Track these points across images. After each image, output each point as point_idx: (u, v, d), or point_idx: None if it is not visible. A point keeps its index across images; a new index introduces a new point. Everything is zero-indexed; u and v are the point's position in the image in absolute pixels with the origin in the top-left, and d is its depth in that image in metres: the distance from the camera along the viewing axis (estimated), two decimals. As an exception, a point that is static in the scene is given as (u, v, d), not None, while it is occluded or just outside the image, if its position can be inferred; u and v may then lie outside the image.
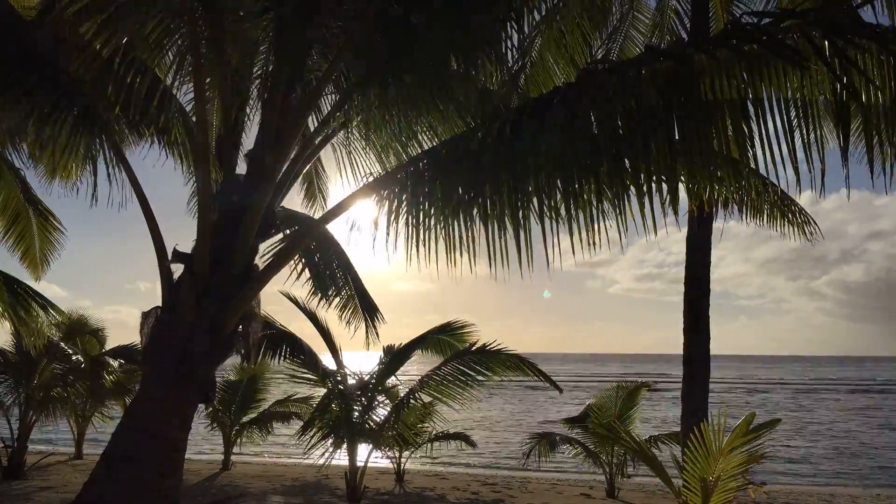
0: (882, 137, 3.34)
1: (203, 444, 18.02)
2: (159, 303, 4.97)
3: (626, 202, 3.79)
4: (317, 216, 8.49)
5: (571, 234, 3.97)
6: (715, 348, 8.72)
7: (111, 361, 13.65)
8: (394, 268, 4.41)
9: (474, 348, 9.65)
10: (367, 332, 9.10)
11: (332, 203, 9.20)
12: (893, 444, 24.00)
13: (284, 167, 5.34)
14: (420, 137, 6.07)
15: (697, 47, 3.63)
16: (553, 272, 4.05)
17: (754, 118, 3.46)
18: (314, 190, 9.37)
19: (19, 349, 11.59)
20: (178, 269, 4.93)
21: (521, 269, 4.06)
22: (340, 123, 6.06)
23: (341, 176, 7.16)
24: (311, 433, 10.03)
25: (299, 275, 7.82)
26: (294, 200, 6.47)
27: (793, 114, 3.41)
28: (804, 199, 9.10)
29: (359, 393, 10.17)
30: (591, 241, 3.93)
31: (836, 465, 19.37)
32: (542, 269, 4.04)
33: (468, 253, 4.33)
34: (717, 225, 8.66)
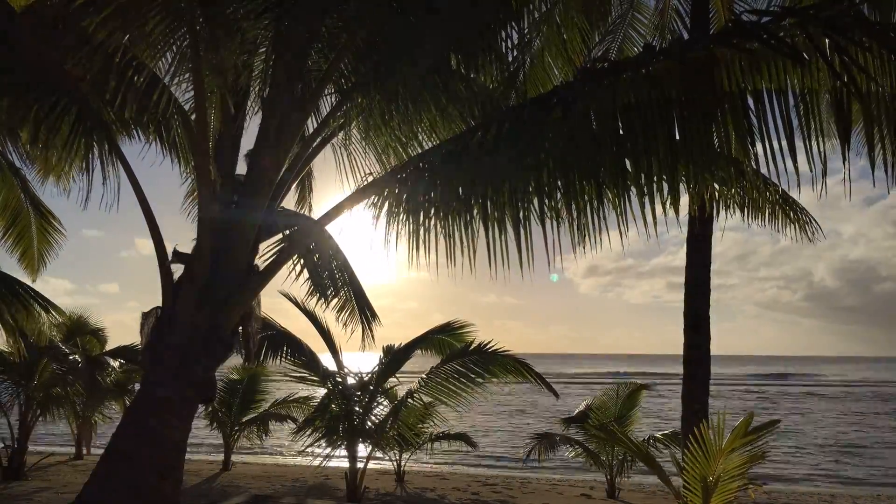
0: (883, 135, 3.33)
1: (203, 444, 18.01)
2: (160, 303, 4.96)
3: (627, 202, 3.79)
4: (307, 216, 8.49)
5: (573, 235, 3.97)
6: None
7: (111, 361, 13.66)
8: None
9: (471, 348, 9.64)
10: (363, 334, 9.10)
11: (322, 203, 9.21)
12: (893, 443, 24.00)
13: (284, 168, 5.34)
14: (420, 137, 6.07)
15: (697, 46, 3.63)
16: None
17: (755, 116, 3.45)
18: (305, 191, 9.37)
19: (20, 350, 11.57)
20: (178, 270, 4.93)
21: (521, 269, 4.05)
22: (340, 124, 6.06)
23: (341, 176, 7.14)
24: (310, 432, 10.03)
25: (298, 275, 7.82)
26: (287, 201, 6.45)
27: (793, 113, 3.41)
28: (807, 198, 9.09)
29: (359, 393, 10.17)
30: (592, 242, 3.94)
31: (837, 464, 19.36)
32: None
33: (468, 253, 4.33)
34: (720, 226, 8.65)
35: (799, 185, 3.44)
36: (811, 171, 3.38)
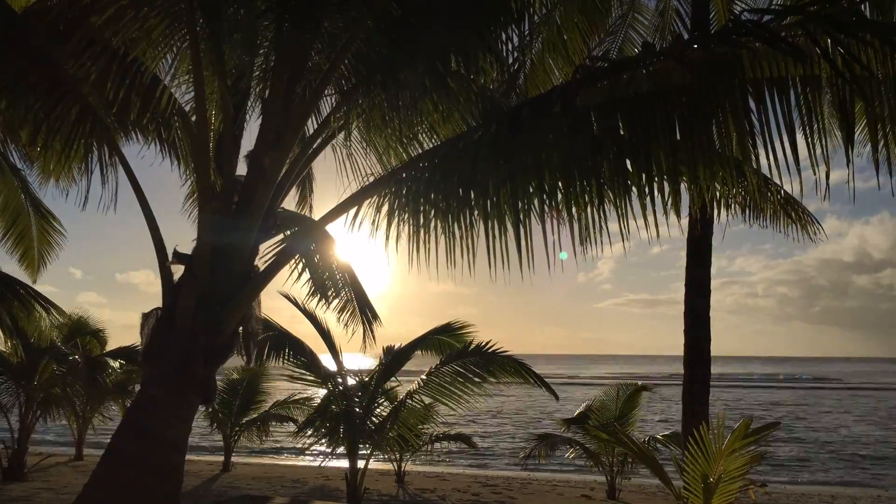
0: (887, 132, 3.31)
1: (203, 445, 18.00)
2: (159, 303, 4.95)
3: (628, 203, 3.78)
4: (308, 217, 8.48)
5: (573, 235, 3.96)
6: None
7: (111, 362, 13.66)
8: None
9: (470, 348, 9.62)
10: (364, 335, 9.08)
11: (323, 204, 9.20)
12: (894, 443, 23.97)
13: (284, 168, 5.33)
14: (420, 138, 6.06)
15: (697, 45, 3.63)
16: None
17: (756, 116, 3.44)
18: (305, 191, 9.35)
19: (17, 351, 11.57)
20: (178, 270, 4.92)
21: (521, 269, 4.04)
22: (340, 125, 6.05)
23: (341, 177, 7.13)
24: (310, 433, 10.02)
25: (299, 276, 7.80)
26: (287, 202, 6.40)
27: (795, 113, 3.40)
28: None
29: (359, 394, 10.15)
30: (592, 243, 3.94)
31: (837, 465, 19.34)
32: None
33: (468, 253, 4.32)
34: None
35: (801, 186, 3.43)
36: (815, 173, 3.37)
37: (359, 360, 11.45)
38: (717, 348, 8.64)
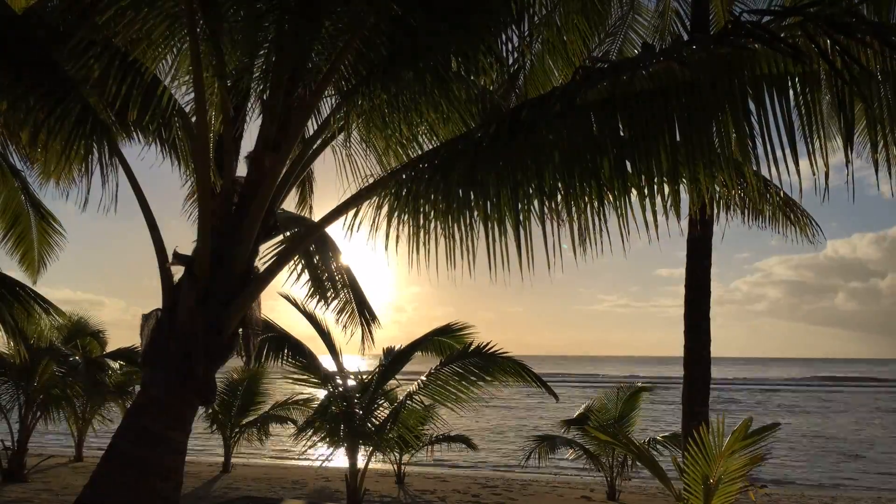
0: (886, 134, 3.32)
1: (203, 446, 17.99)
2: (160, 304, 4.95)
3: (628, 204, 3.79)
4: (308, 218, 8.49)
5: (573, 236, 3.96)
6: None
7: (111, 363, 13.66)
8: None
9: (470, 349, 9.62)
10: (363, 337, 9.06)
11: (323, 205, 9.21)
12: (894, 445, 23.96)
13: (284, 169, 5.33)
14: (420, 139, 6.06)
15: (697, 46, 3.63)
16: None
17: (756, 118, 3.45)
18: (305, 192, 9.35)
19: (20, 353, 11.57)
20: (178, 272, 4.92)
21: (521, 271, 4.05)
22: (340, 126, 6.05)
23: (341, 178, 7.13)
24: (310, 434, 10.02)
25: (298, 276, 7.81)
26: (287, 203, 6.41)
27: (794, 114, 3.41)
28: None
29: (359, 395, 10.15)
30: (592, 244, 3.95)
31: (838, 466, 19.33)
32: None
33: (468, 255, 4.33)
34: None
35: (801, 188, 3.44)
36: (813, 173, 3.38)
37: (359, 361, 11.45)
38: (714, 349, 8.65)
